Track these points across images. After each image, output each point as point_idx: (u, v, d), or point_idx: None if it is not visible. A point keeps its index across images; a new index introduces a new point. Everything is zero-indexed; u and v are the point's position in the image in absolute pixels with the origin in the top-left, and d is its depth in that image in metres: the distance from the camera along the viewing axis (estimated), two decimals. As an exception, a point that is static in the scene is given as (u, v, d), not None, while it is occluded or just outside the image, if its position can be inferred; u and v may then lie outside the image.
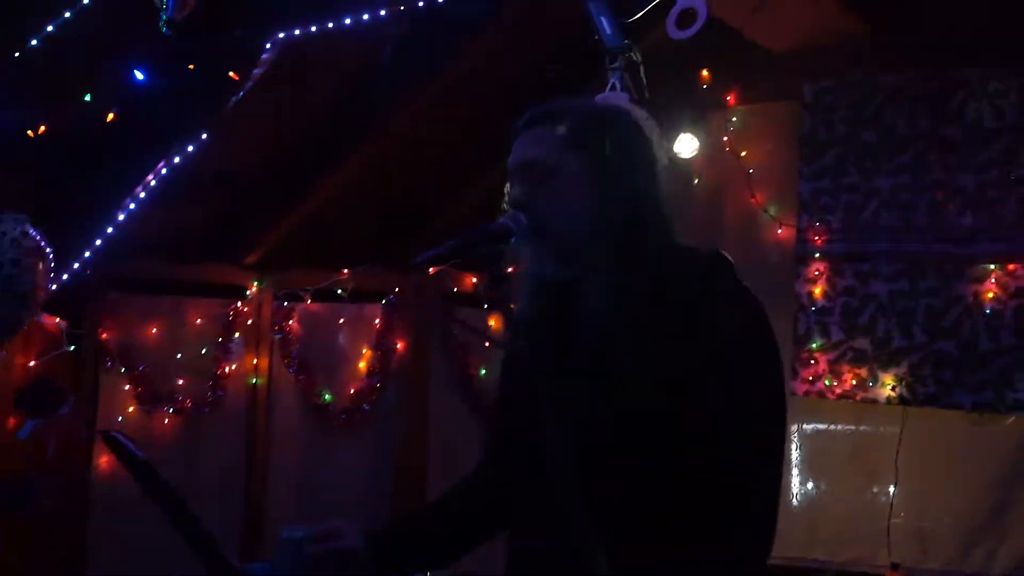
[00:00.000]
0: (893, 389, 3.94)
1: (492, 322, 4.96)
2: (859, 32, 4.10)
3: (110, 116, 2.87)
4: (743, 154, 4.42)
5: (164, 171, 3.86)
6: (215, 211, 4.59)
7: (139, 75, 2.69)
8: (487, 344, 4.85)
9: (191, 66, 2.65)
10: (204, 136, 3.84)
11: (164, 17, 2.43)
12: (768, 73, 4.41)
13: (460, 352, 4.79)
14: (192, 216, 4.51)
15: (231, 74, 2.93)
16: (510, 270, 1.69)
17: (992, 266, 3.79)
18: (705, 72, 4.27)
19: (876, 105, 4.10)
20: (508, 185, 1.83)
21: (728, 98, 4.47)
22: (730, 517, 1.64)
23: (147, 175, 3.87)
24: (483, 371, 4.87)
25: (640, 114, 1.89)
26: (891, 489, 3.95)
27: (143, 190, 3.91)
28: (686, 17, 2.59)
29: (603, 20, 2.73)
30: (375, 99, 4.46)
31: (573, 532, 1.45)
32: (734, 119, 4.52)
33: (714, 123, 4.47)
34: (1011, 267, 3.76)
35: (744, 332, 1.67)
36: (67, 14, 2.55)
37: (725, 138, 4.42)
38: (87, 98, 2.87)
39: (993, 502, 3.81)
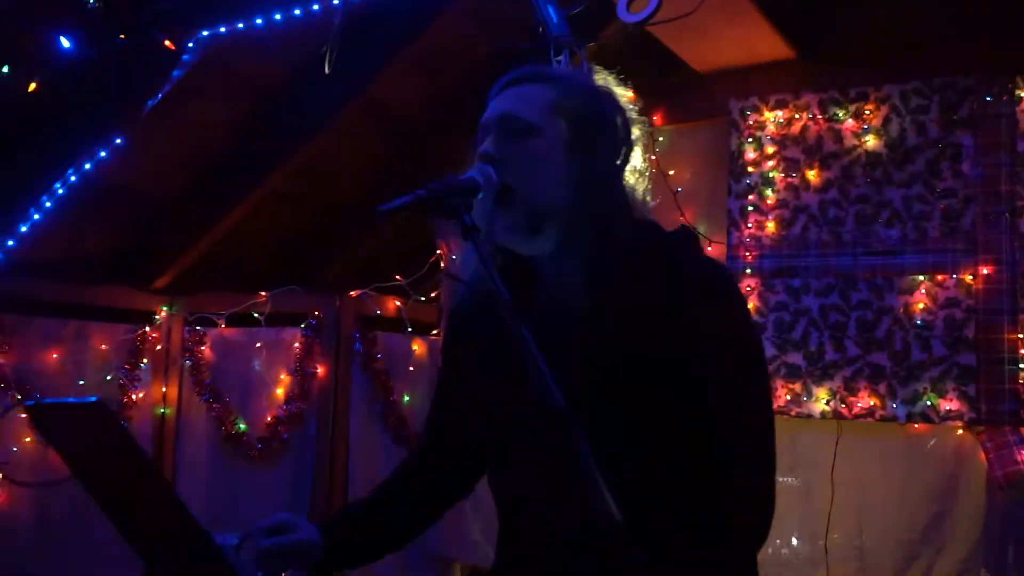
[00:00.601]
0: (827, 403, 3.92)
1: (415, 347, 4.82)
2: (785, 53, 4.16)
3: (32, 86, 2.65)
4: (671, 173, 4.41)
5: (73, 179, 3.62)
6: (124, 229, 4.36)
7: (65, 43, 2.49)
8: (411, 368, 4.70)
9: (122, 35, 2.46)
10: (117, 142, 3.63)
11: (89, -13, 2.27)
12: (695, 92, 4.44)
13: (383, 378, 4.60)
14: (99, 233, 4.26)
15: (167, 43, 2.73)
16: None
17: (921, 277, 3.83)
18: (631, 93, 4.25)
19: (802, 123, 4.14)
20: (479, 138, 1.75)
21: (654, 118, 4.47)
22: (728, 472, 1.59)
23: (53, 183, 3.63)
24: (406, 398, 4.70)
25: (624, 95, 1.83)
26: (828, 505, 3.90)
27: (49, 199, 3.66)
28: (637, 3, 2.54)
29: (549, 9, 2.66)
30: (298, 115, 4.33)
31: (578, 477, 1.35)
32: (660, 139, 4.52)
33: (641, 142, 4.44)
34: (940, 278, 3.80)
35: (717, 299, 1.65)
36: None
37: (652, 157, 4.41)
38: (4, 69, 2.66)
39: (930, 515, 3.79)
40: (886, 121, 3.97)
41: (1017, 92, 3.74)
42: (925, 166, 3.88)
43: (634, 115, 1.86)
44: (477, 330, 1.78)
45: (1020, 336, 3.65)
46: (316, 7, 3.09)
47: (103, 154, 3.57)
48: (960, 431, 3.77)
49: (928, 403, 3.76)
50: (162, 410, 4.56)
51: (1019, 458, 3.59)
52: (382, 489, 1.97)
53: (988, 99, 3.78)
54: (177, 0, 3.33)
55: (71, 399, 1.53)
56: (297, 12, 3.11)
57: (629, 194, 1.80)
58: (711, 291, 1.64)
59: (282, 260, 4.82)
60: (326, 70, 2.65)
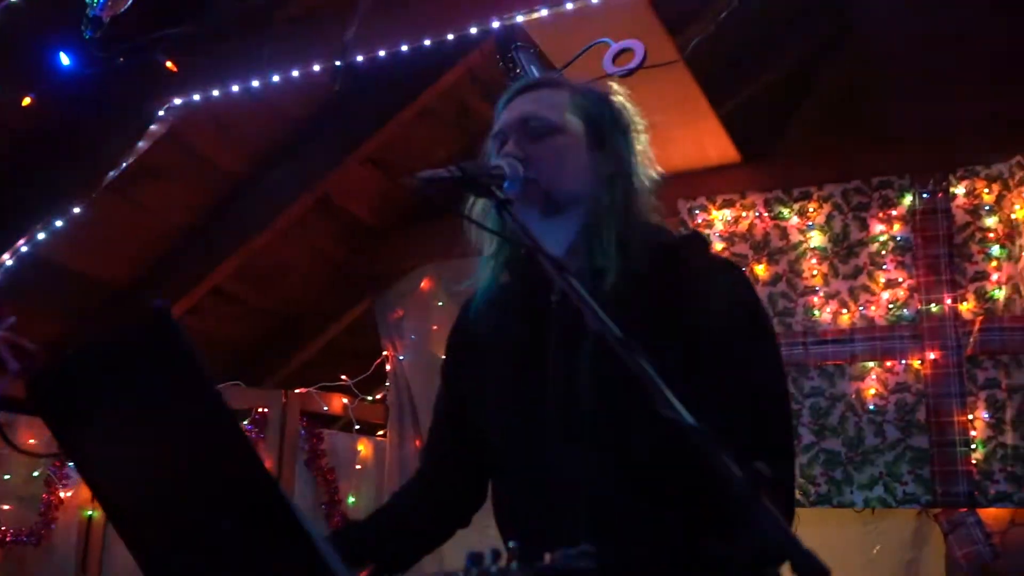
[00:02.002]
0: (785, 491, 3.91)
1: (361, 447, 4.69)
2: (732, 157, 4.35)
3: (26, 101, 2.58)
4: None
5: (9, 261, 3.50)
6: (63, 314, 4.21)
7: (65, 59, 2.45)
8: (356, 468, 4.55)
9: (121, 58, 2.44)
10: (60, 224, 3.53)
11: (89, 15, 2.26)
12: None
13: (328, 477, 4.45)
14: (41, 317, 4.10)
15: (168, 64, 2.71)
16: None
17: (871, 364, 3.93)
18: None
19: (749, 221, 4.30)
20: (494, 146, 1.78)
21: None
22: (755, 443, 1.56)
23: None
24: (351, 499, 4.54)
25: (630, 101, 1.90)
26: (789, 595, 3.83)
27: (-6, 272, 3.53)
28: (623, 57, 2.66)
29: (532, 69, 2.77)
30: (252, 207, 4.33)
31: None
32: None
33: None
34: (889, 363, 3.91)
35: (735, 282, 1.68)
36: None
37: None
38: (-5, 88, 2.60)
39: (891, 599, 3.77)
40: (829, 218, 4.16)
41: (951, 189, 3.97)
42: (869, 259, 4.05)
43: (640, 119, 1.91)
44: (492, 327, 1.76)
45: (970, 418, 3.75)
46: (295, 74, 3.14)
47: (58, 223, 3.48)
48: (917, 514, 3.80)
49: (884, 488, 3.79)
50: (89, 512, 4.30)
51: (977, 539, 3.63)
52: (384, 511, 1.89)
53: (925, 196, 4.01)
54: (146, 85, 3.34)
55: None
56: (276, 79, 3.15)
57: (644, 192, 1.83)
58: (728, 275, 1.68)
59: (226, 355, 4.70)
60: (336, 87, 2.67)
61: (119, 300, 4.31)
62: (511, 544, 1.24)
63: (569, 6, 2.89)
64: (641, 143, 1.83)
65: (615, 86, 1.95)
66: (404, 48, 3.06)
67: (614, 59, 2.69)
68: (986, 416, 3.74)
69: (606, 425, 1.54)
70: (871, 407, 3.89)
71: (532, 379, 1.64)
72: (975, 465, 3.70)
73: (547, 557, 1.21)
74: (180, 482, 1.27)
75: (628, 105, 1.87)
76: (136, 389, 1.25)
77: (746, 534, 1.17)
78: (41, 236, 3.52)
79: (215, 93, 3.28)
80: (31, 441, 4.16)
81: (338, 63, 2.77)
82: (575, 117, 1.75)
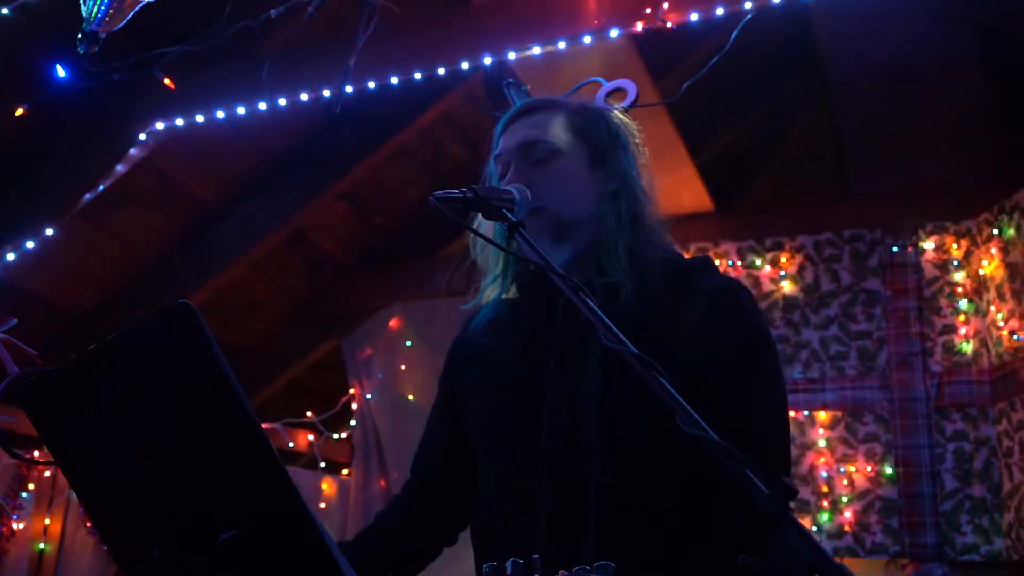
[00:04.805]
0: (754, 539, 3.91)
1: (325, 486, 4.61)
2: (706, 205, 4.41)
3: (19, 111, 2.52)
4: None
5: (-8, 270, 3.44)
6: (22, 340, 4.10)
7: (61, 72, 2.40)
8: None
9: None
10: (48, 232, 3.46)
11: (85, 28, 2.24)
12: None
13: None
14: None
15: (166, 81, 2.67)
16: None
17: (841, 413, 3.96)
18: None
19: (722, 269, 4.33)
20: (496, 169, 1.78)
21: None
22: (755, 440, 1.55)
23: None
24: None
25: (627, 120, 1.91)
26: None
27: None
28: (615, 96, 2.69)
29: (513, 93, 2.78)
30: (221, 240, 4.29)
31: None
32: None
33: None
34: (858, 412, 3.94)
35: (745, 305, 1.68)
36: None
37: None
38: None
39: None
40: (801, 268, 4.21)
41: (920, 244, 4.05)
42: (840, 310, 4.10)
43: (638, 134, 1.91)
44: (493, 344, 1.75)
45: (938, 470, 3.78)
46: (283, 102, 3.12)
47: (29, 244, 3.40)
48: (886, 564, 3.81)
49: (853, 537, 3.80)
50: (41, 546, 4.17)
51: (944, 590, 3.64)
52: (368, 530, 1.84)
53: (895, 250, 4.08)
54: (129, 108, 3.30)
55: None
56: (262, 107, 3.13)
57: (648, 205, 1.83)
58: (739, 298, 1.68)
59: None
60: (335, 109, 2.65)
61: (80, 328, 4.22)
62: (534, 556, 1.21)
63: (561, 45, 2.92)
64: (641, 158, 1.84)
65: (613, 104, 1.96)
66: (394, 81, 3.06)
67: (606, 98, 2.72)
68: (954, 468, 3.77)
69: (615, 446, 1.53)
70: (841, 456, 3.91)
71: (529, 397, 1.63)
72: (943, 516, 3.73)
73: (562, 574, 1.19)
74: (192, 485, 1.23)
75: (626, 121, 1.88)
76: (153, 386, 1.22)
77: (776, 549, 1.16)
78: (11, 257, 3.44)
79: (199, 119, 3.25)
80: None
81: (347, 87, 2.75)
82: (574, 137, 1.74)
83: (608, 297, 1.62)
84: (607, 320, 1.37)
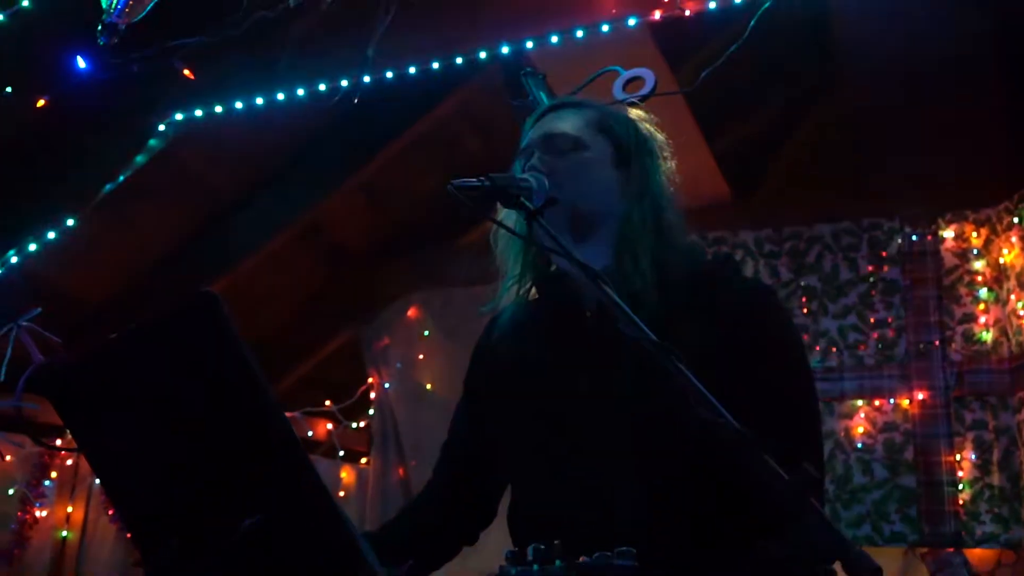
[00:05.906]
0: (772, 528, 3.91)
1: (343, 474, 4.64)
2: (724, 194, 4.39)
3: (40, 102, 2.55)
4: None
5: (14, 260, 3.47)
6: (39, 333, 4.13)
7: (81, 63, 2.43)
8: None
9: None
10: (53, 236, 3.48)
11: (105, 20, 2.26)
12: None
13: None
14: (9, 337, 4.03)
15: (185, 72, 2.69)
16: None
17: (859, 402, 3.95)
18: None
19: (740, 258, 4.33)
20: (520, 163, 1.78)
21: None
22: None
23: (-9, 264, 3.46)
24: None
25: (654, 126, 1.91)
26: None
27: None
28: (633, 84, 2.69)
29: (541, 95, 2.78)
30: (238, 234, 4.31)
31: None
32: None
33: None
34: (877, 403, 3.93)
35: (773, 307, 1.68)
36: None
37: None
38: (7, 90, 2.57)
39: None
40: (819, 258, 4.20)
41: (939, 232, 4.03)
42: (858, 299, 4.09)
43: (668, 146, 1.91)
44: (519, 344, 1.75)
45: (957, 459, 3.77)
46: (301, 92, 3.13)
47: (51, 235, 3.43)
48: (904, 553, 3.80)
49: (871, 526, 3.80)
50: (64, 533, 4.21)
51: (963, 579, 3.64)
52: (390, 525, 1.85)
53: (914, 239, 4.06)
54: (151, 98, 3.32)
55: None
56: (280, 97, 3.14)
57: (672, 211, 1.83)
58: (765, 296, 1.68)
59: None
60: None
61: (99, 318, 4.25)
62: (555, 542, 1.22)
63: (579, 34, 2.92)
64: (668, 168, 1.83)
65: (641, 113, 1.96)
66: (412, 70, 3.07)
67: (624, 86, 2.72)
68: (973, 457, 3.76)
69: (649, 438, 1.53)
70: (859, 445, 3.90)
71: (562, 394, 1.63)
72: (962, 506, 3.72)
73: (582, 559, 1.19)
74: (214, 471, 1.25)
75: (656, 132, 1.87)
76: (176, 373, 1.23)
77: (797, 535, 1.16)
78: (32, 247, 3.47)
79: (218, 109, 3.27)
80: (8, 458, 4.09)
81: (366, 78, 2.77)
82: (601, 135, 1.74)
83: (632, 306, 1.62)
84: (625, 307, 1.38)
